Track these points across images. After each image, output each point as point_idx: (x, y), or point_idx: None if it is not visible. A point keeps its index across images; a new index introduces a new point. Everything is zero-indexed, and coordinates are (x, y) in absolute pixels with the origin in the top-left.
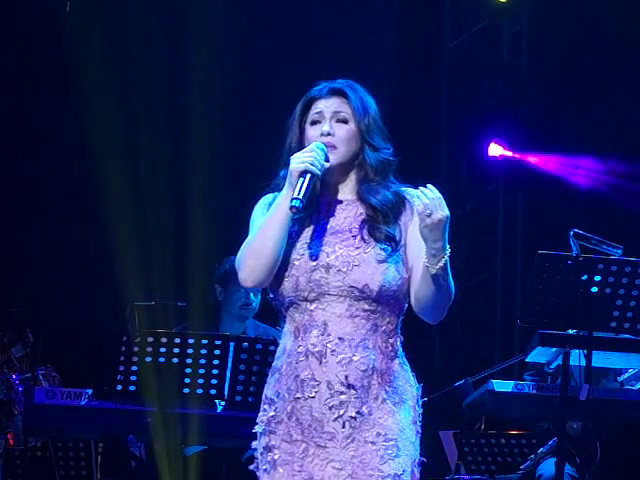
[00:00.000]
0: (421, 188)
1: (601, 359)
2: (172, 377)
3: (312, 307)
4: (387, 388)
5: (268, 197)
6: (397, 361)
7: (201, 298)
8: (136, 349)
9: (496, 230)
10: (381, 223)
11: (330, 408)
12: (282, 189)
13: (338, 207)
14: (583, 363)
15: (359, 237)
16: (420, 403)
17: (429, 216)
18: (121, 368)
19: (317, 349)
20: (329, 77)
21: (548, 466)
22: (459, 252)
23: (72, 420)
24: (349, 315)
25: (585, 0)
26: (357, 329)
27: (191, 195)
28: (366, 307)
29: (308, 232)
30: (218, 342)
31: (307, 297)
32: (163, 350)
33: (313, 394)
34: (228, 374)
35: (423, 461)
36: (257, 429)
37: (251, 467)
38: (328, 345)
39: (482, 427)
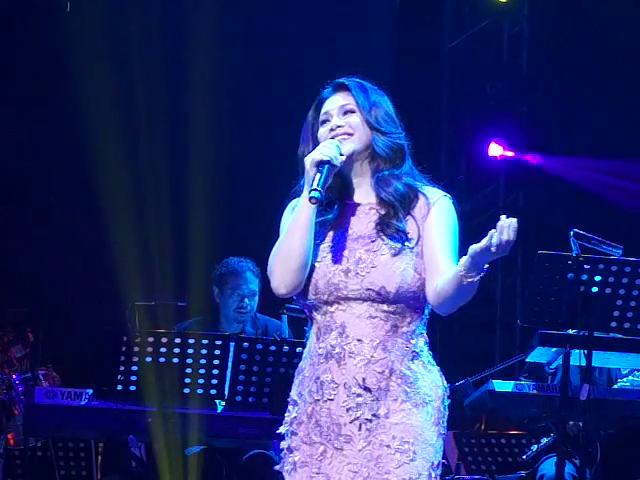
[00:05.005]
0: (507, 221)
1: (601, 359)
2: (172, 377)
3: (332, 309)
4: (407, 389)
5: (294, 202)
6: (419, 361)
7: (201, 298)
8: (136, 349)
9: None
10: (392, 218)
11: (347, 410)
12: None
13: (361, 212)
14: (583, 363)
15: (377, 241)
16: (446, 404)
17: (494, 247)
18: (121, 368)
19: (336, 351)
20: (329, 77)
21: (549, 466)
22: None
23: (72, 420)
24: (368, 316)
25: (585, 0)
26: (376, 330)
27: (191, 195)
28: (385, 308)
29: (331, 236)
30: (218, 342)
31: (327, 300)
32: (163, 350)
33: (332, 396)
34: (228, 374)
35: (444, 463)
36: (282, 430)
37: (277, 467)
38: (346, 347)
39: (482, 427)
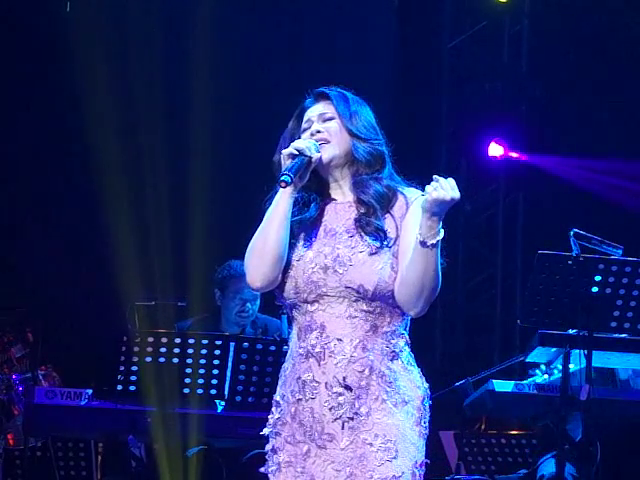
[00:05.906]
0: (445, 183)
1: (601, 359)
2: (172, 377)
3: (312, 309)
4: (387, 389)
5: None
6: (399, 361)
7: (201, 298)
8: (136, 349)
9: (496, 230)
10: (371, 216)
11: (330, 409)
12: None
13: (339, 209)
14: (583, 363)
15: (356, 237)
16: (427, 404)
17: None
18: (121, 368)
19: (316, 350)
20: (329, 77)
21: (549, 466)
22: (459, 252)
23: (72, 420)
24: (347, 316)
25: (585, 0)
26: (355, 330)
27: (191, 195)
28: (364, 308)
29: (309, 234)
30: (218, 342)
31: (307, 299)
32: (163, 350)
33: (314, 395)
34: (228, 374)
35: (427, 462)
36: (265, 431)
37: (262, 469)
38: (326, 346)
39: (482, 427)
